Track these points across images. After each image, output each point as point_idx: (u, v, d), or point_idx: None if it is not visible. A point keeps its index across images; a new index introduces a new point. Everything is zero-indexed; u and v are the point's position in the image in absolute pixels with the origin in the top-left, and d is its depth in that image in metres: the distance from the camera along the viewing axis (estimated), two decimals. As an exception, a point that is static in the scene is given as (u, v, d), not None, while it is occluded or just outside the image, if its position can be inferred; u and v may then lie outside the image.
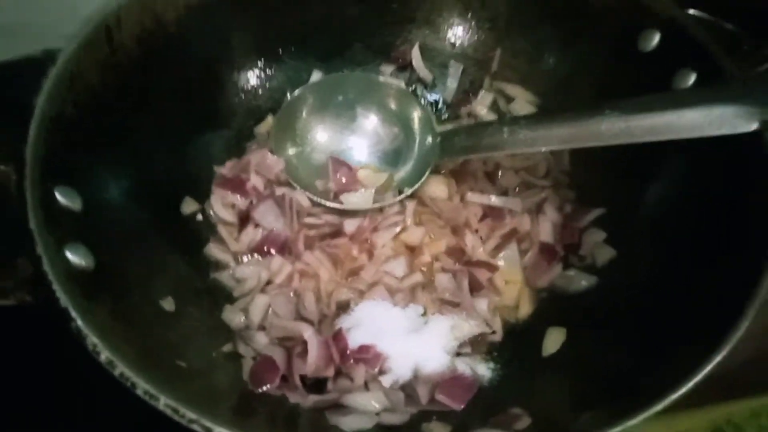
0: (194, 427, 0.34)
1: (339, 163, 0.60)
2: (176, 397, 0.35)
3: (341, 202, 0.58)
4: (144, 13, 0.52)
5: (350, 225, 0.56)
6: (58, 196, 0.43)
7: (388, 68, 0.67)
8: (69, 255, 0.41)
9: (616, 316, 0.49)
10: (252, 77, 0.64)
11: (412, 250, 0.56)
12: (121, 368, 0.35)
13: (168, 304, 0.48)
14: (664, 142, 0.45)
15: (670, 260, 0.48)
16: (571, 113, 0.50)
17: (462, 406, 0.45)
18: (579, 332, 0.50)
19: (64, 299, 0.37)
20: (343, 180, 0.59)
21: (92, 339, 0.36)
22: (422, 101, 0.67)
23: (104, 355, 0.36)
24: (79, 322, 0.36)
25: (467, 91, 0.67)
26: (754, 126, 0.42)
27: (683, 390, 0.36)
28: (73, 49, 0.47)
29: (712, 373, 0.37)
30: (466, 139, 0.56)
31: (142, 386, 0.35)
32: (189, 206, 0.57)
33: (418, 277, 0.54)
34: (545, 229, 0.56)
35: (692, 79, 0.51)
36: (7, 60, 0.71)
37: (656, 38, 0.53)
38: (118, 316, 0.41)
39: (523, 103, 0.64)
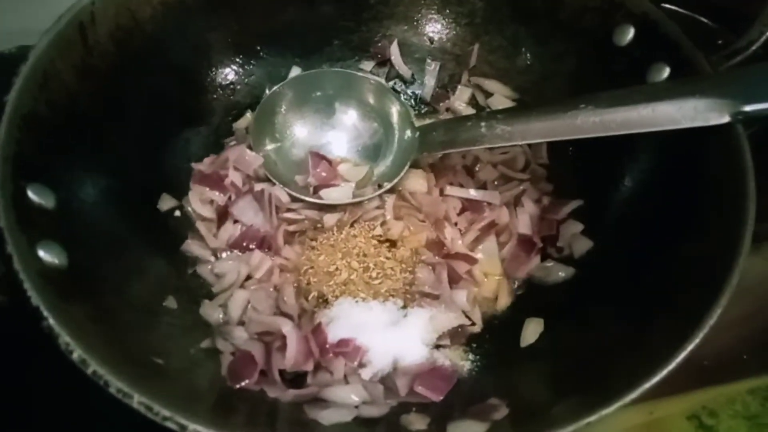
0: (168, 424, 0.34)
1: (318, 157, 0.60)
2: (153, 394, 0.35)
3: (321, 198, 0.57)
4: (119, 11, 0.52)
5: (330, 219, 0.56)
6: (30, 194, 0.42)
7: (367, 64, 0.67)
8: (42, 253, 0.40)
9: (592, 307, 0.50)
10: (230, 74, 0.64)
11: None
12: (93, 366, 0.35)
13: (157, 302, 0.48)
14: (638, 134, 0.46)
15: (645, 251, 0.49)
16: (547, 107, 0.51)
17: (441, 398, 0.45)
18: (557, 323, 0.50)
19: (35, 297, 0.36)
20: (323, 174, 0.59)
21: (64, 338, 0.36)
22: (401, 96, 0.67)
23: (76, 354, 0.35)
24: (51, 321, 0.36)
25: (446, 87, 0.67)
26: (725, 119, 0.43)
27: (656, 379, 0.36)
28: (45, 46, 0.46)
29: (689, 361, 0.37)
30: (444, 134, 0.57)
31: (115, 384, 0.35)
32: (166, 203, 0.56)
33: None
34: (523, 222, 0.56)
35: (666, 72, 0.52)
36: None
37: (630, 33, 0.54)
38: (94, 315, 0.41)
39: (500, 98, 0.64)
